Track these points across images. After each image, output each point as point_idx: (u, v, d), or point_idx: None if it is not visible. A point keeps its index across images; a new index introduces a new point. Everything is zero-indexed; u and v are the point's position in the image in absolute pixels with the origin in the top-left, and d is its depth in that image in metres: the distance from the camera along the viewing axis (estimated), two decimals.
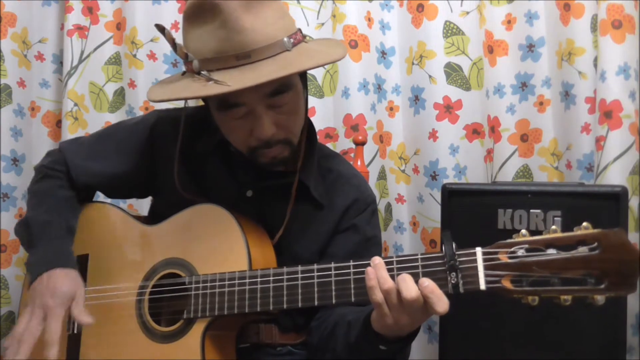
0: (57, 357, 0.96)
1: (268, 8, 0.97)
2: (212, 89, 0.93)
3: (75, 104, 1.72)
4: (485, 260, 0.83)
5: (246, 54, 0.94)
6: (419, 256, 0.87)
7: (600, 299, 0.77)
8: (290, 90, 1.01)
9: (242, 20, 0.93)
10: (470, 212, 1.31)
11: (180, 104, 1.15)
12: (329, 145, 1.68)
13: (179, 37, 1.02)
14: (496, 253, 0.82)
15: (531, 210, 1.25)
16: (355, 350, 0.99)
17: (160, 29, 1.00)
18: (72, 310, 1.02)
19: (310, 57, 0.99)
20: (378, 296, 0.86)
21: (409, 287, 0.84)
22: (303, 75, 1.08)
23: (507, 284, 0.81)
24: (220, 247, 1.04)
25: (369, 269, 0.88)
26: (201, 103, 1.14)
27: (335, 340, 1.04)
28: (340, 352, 1.02)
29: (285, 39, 0.97)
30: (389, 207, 1.72)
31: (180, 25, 1.06)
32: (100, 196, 1.37)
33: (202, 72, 0.95)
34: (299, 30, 1.02)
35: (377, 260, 0.88)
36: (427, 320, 1.65)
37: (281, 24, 0.98)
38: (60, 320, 0.99)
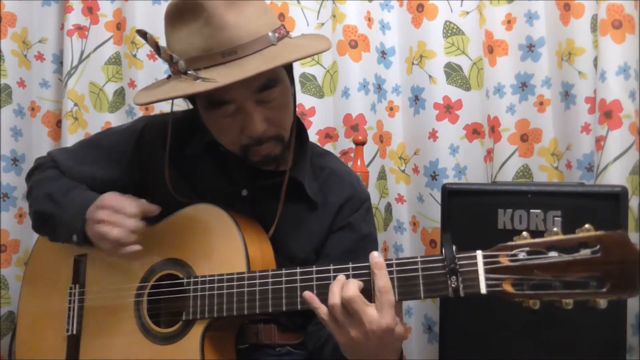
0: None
1: (250, 5, 0.98)
2: (200, 87, 0.93)
3: (75, 104, 1.72)
4: (486, 263, 0.82)
5: (232, 50, 0.94)
6: (419, 259, 0.87)
7: (602, 302, 0.76)
8: (279, 84, 1.01)
9: (226, 17, 0.93)
10: (470, 212, 1.31)
11: (168, 109, 1.15)
12: (329, 145, 1.68)
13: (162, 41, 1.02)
14: (497, 256, 0.81)
15: (531, 210, 1.25)
16: None
17: (142, 34, 1.01)
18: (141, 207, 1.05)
19: (295, 50, 0.99)
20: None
21: (333, 294, 0.87)
22: (290, 71, 1.09)
23: (508, 287, 0.80)
24: (217, 247, 1.04)
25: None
26: (190, 106, 1.14)
27: (325, 354, 1.05)
28: None
29: (270, 34, 0.97)
30: (389, 207, 1.72)
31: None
32: None
33: (189, 71, 0.95)
34: (282, 25, 1.02)
35: (375, 257, 0.88)
36: (427, 320, 1.65)
37: (264, 19, 0.99)
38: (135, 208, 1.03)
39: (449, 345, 1.33)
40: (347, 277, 0.91)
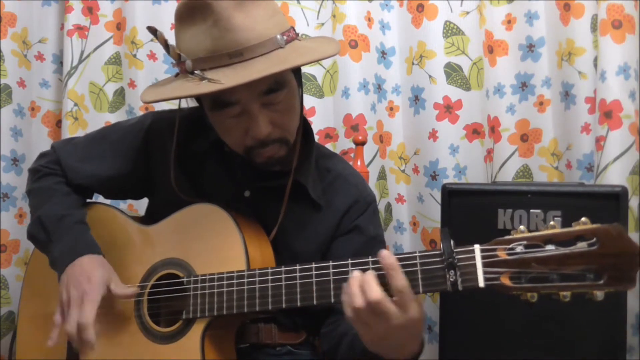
0: (92, 339, 0.98)
1: (259, 6, 0.97)
2: (205, 88, 0.93)
3: (75, 104, 1.72)
4: (483, 257, 0.82)
5: (239, 52, 0.94)
6: (417, 254, 0.87)
7: (599, 294, 0.76)
8: (285, 88, 1.01)
9: (234, 18, 0.93)
10: (470, 212, 1.31)
11: (175, 105, 1.15)
12: (329, 145, 1.68)
13: (172, 38, 1.02)
14: (494, 250, 0.81)
15: (531, 210, 1.25)
16: None
17: (152, 31, 1.00)
18: (112, 291, 1.04)
19: (303, 53, 0.99)
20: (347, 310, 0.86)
21: (355, 295, 0.83)
22: (297, 73, 1.08)
23: (505, 281, 0.80)
24: (217, 246, 1.04)
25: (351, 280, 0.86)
26: (196, 104, 1.14)
27: (341, 353, 1.03)
28: None
29: (278, 36, 0.97)
30: (389, 207, 1.72)
31: None
32: (99, 197, 1.37)
33: (196, 71, 0.95)
34: (292, 28, 1.02)
35: (386, 257, 0.84)
36: (427, 320, 1.65)
37: (273, 21, 0.99)
38: (96, 304, 1.01)
39: (449, 345, 1.33)
40: (346, 272, 0.90)
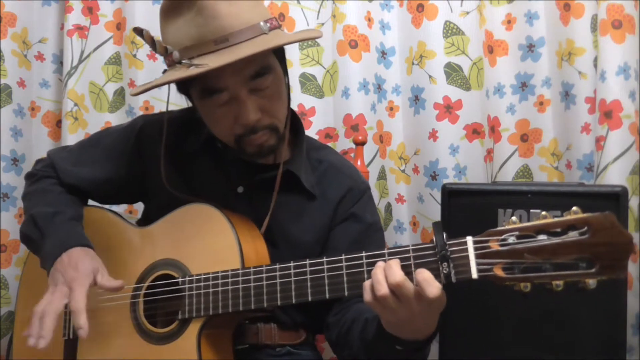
0: (86, 325, 0.95)
1: None
2: (193, 72, 0.94)
3: (75, 104, 1.73)
4: (476, 249, 0.82)
5: (224, 37, 0.95)
6: (411, 247, 0.87)
7: (592, 282, 0.76)
8: (271, 72, 1.02)
9: (218, 6, 0.95)
10: (470, 212, 1.31)
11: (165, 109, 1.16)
12: (329, 145, 1.68)
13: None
14: (487, 241, 0.82)
15: (531, 210, 1.25)
16: (372, 349, 0.98)
17: (138, 31, 1.02)
18: (98, 280, 1.02)
19: (286, 37, 1.01)
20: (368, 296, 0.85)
21: (394, 272, 0.83)
22: (283, 62, 1.09)
23: (498, 271, 0.80)
24: (212, 246, 1.04)
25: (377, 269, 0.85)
26: (187, 104, 1.15)
27: (352, 338, 1.03)
28: (357, 350, 1.02)
29: (262, 23, 0.99)
30: (389, 207, 1.72)
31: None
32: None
33: (183, 60, 0.96)
34: (274, 18, 1.04)
35: (422, 272, 0.83)
36: None
37: (257, 10, 1.01)
38: (85, 289, 0.99)
39: (449, 345, 1.33)
40: (340, 268, 0.91)
